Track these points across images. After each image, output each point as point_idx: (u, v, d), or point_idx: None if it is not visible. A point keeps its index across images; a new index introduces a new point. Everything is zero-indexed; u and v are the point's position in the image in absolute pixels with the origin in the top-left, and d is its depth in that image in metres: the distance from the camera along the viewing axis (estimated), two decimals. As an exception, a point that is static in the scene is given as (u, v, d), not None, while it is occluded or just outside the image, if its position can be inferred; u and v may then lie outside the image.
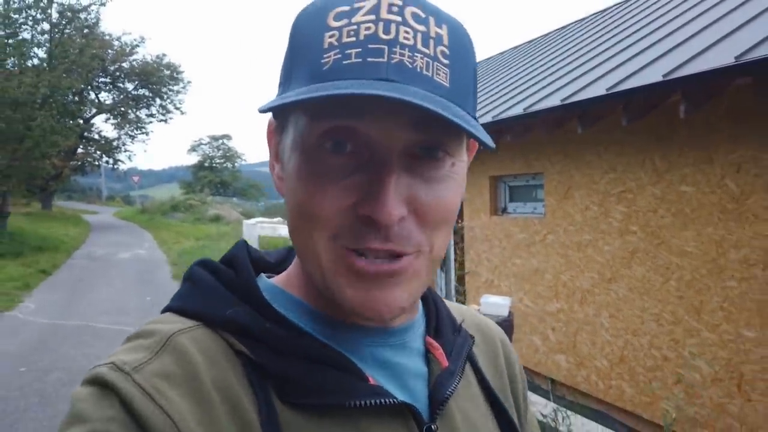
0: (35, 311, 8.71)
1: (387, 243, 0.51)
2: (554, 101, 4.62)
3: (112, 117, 29.64)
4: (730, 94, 3.53)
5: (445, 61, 0.51)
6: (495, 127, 5.41)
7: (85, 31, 20.06)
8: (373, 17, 0.49)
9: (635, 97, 3.86)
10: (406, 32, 0.49)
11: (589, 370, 5.07)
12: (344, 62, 0.48)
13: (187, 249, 15.65)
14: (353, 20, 0.49)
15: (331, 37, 0.50)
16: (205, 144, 52.97)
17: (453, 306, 0.77)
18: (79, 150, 28.77)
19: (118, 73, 28.57)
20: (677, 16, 5.16)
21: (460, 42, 0.53)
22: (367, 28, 0.49)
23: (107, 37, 25.68)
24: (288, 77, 0.54)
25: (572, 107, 4.41)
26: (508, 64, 8.81)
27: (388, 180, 0.49)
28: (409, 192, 0.51)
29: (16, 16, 16.91)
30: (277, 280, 0.63)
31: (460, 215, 7.16)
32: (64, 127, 17.58)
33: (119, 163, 31.92)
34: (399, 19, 0.49)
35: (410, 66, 0.48)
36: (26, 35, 17.71)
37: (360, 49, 0.48)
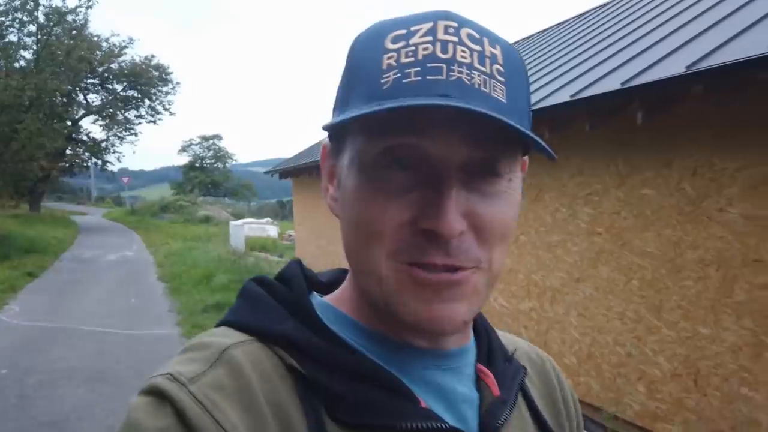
0: (20, 314, 8.77)
1: (447, 258, 0.51)
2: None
3: (100, 118, 29.60)
4: (686, 101, 3.68)
5: (501, 79, 0.52)
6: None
7: (73, 32, 20.03)
8: (430, 38, 0.51)
9: (596, 103, 4.01)
10: (463, 51, 0.50)
11: (560, 367, 5.21)
12: (404, 81, 0.49)
13: (174, 250, 15.71)
14: (411, 42, 0.51)
15: (389, 58, 0.51)
16: (196, 144, 52.89)
17: (505, 336, 0.77)
18: (68, 151, 28.70)
19: (106, 75, 28.54)
20: (637, 27, 5.35)
21: (513, 63, 0.54)
22: (425, 49, 0.50)
23: (95, 39, 25.63)
24: (345, 99, 0.55)
25: (540, 113, 4.55)
26: None
27: (449, 194, 0.50)
28: (468, 207, 0.52)
29: (2, 18, 16.91)
30: (330, 298, 0.64)
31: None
32: (51, 129, 17.61)
33: (108, 164, 31.88)
34: (455, 39, 0.51)
35: (468, 83, 0.49)
36: (12, 38, 17.74)
37: (419, 68, 0.49)
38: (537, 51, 7.54)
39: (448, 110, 0.47)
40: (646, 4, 6.24)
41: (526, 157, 0.63)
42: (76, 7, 19.58)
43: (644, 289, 4.30)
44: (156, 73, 29.99)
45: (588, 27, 7.09)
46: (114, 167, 33.84)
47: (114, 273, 12.93)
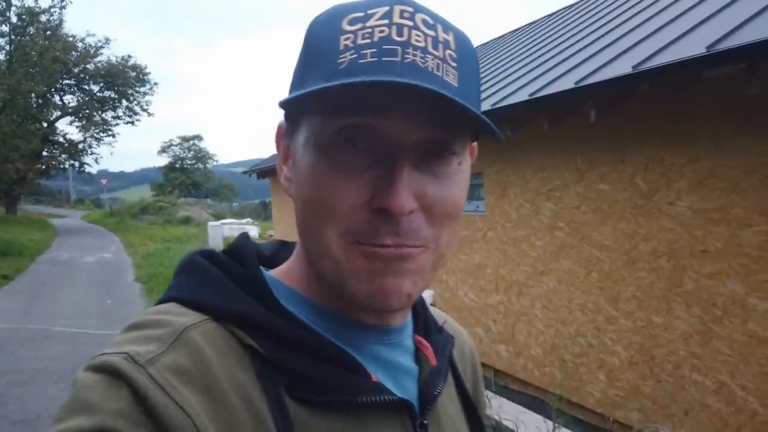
0: (-6, 316, 8.72)
1: (397, 238, 0.53)
2: (486, 106, 4.89)
3: (76, 119, 29.29)
4: (635, 100, 3.83)
5: (454, 65, 0.53)
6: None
7: (47, 33, 19.82)
8: (386, 21, 0.52)
9: (553, 102, 4.15)
10: (417, 35, 0.52)
11: (526, 359, 5.36)
12: (360, 61, 0.50)
13: (152, 251, 15.64)
14: (367, 24, 0.52)
15: (346, 39, 0.52)
16: (176, 145, 52.47)
17: (434, 311, 0.80)
18: (44, 153, 28.36)
19: (82, 75, 28.22)
20: (592, 31, 5.56)
21: (465, 49, 0.56)
22: (381, 31, 0.51)
23: (71, 39, 25.34)
24: (302, 79, 0.55)
25: (501, 111, 4.69)
26: None
27: (401, 173, 0.52)
28: (419, 187, 0.53)
29: (-26, 18, 16.69)
30: (278, 273, 0.64)
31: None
32: (26, 131, 17.44)
33: (86, 165, 31.55)
34: (410, 23, 0.52)
35: (422, 66, 0.50)
36: (-16, 38, 17.50)
37: (375, 50, 0.50)
38: (500, 53, 7.73)
39: (403, 92, 0.48)
40: (600, 9, 6.50)
41: (475, 143, 0.64)
42: (50, 7, 19.33)
43: (603, 280, 4.45)
44: (133, 74, 29.73)
45: (547, 30, 7.32)
46: (92, 169, 33.51)
47: (91, 275, 12.86)
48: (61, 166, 31.43)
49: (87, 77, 28.62)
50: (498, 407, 4.25)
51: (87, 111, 29.03)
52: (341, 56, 0.51)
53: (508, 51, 7.54)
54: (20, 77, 16.34)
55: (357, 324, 0.60)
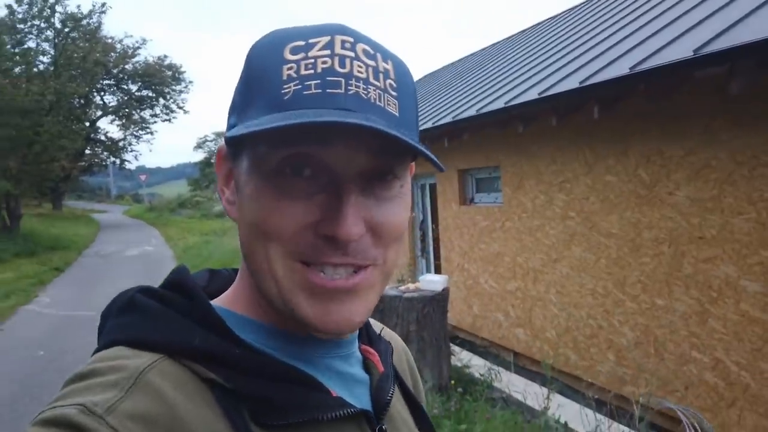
0: (50, 304, 9.45)
1: (346, 258, 0.53)
2: (500, 104, 5.22)
3: (117, 118, 30.40)
4: (633, 97, 4.11)
5: (394, 94, 0.55)
6: (455, 126, 6.02)
7: (88, 36, 20.70)
8: (328, 52, 0.52)
9: (560, 100, 4.45)
10: (359, 66, 0.53)
11: (542, 341, 5.68)
12: (304, 92, 0.51)
13: (191, 244, 16.36)
14: (310, 54, 0.52)
15: (289, 69, 0.52)
16: (211, 140, 53.60)
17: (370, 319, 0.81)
18: (87, 151, 29.55)
19: (121, 76, 29.27)
20: (593, 36, 5.83)
21: (404, 77, 0.57)
22: (324, 62, 0.52)
23: (110, 41, 26.33)
24: (244, 106, 0.55)
25: (513, 108, 5.01)
26: (463, 72, 9.60)
27: (348, 201, 0.52)
28: (365, 212, 0.54)
29: (21, 26, 17.59)
30: (223, 302, 0.62)
31: (435, 205, 7.78)
32: (70, 131, 18.32)
33: (126, 162, 32.73)
34: (352, 54, 0.53)
35: (365, 97, 0.52)
36: (31, 44, 18.45)
37: (319, 81, 0.51)
38: (510, 53, 8.05)
39: (347, 126, 0.48)
40: (602, 13, 6.82)
41: (413, 163, 0.65)
42: (90, 12, 20.23)
43: (611, 266, 4.74)
44: (169, 73, 30.68)
45: (553, 32, 7.67)
46: (131, 165, 34.72)
47: (135, 266, 13.58)
48: (103, 164, 32.73)
49: (126, 77, 29.67)
50: (508, 381, 4.61)
51: (126, 110, 30.13)
52: (285, 86, 0.52)
53: (518, 51, 7.86)
54: (65, 80, 17.22)
55: (310, 340, 0.60)
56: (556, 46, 6.54)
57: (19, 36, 17.56)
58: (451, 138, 6.41)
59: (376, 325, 0.79)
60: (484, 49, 11.57)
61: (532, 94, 4.77)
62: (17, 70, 16.78)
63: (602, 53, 4.72)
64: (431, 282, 4.38)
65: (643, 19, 5.06)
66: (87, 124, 26.10)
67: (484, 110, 5.43)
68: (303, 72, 0.52)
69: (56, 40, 18.49)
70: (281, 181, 0.53)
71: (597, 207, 4.82)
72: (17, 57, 17.07)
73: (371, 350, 0.68)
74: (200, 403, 0.51)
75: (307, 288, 0.54)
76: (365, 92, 0.52)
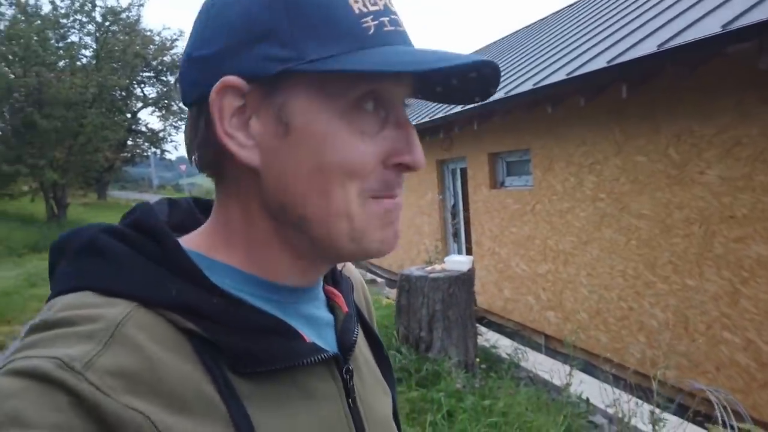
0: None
1: (400, 189, 0.58)
2: (528, 85, 5.20)
3: (157, 109, 31.09)
4: (665, 75, 4.05)
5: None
6: (484, 109, 6.02)
7: (128, 29, 21.23)
8: None
9: (588, 80, 4.42)
10: (390, 3, 0.55)
11: (573, 324, 5.67)
12: (384, 29, 0.52)
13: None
14: None
15: (355, 2, 0.52)
16: (247, 130, 54.09)
17: None
18: (129, 142, 30.36)
19: (160, 67, 29.89)
20: (622, 17, 5.74)
21: None
22: None
23: (148, 33, 26.93)
24: (299, 35, 0.51)
25: (542, 90, 4.99)
26: (493, 56, 9.52)
27: (414, 132, 0.55)
28: None
29: (64, 20, 18.15)
30: (194, 244, 0.58)
31: (466, 189, 7.80)
32: (113, 122, 18.87)
33: (166, 152, 33.52)
34: None
35: (406, 33, 0.56)
36: (74, 38, 19.03)
37: (387, 18, 0.53)
38: (541, 35, 7.97)
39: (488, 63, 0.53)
40: None
41: None
42: (129, 5, 20.75)
43: (641, 248, 4.71)
44: (206, 63, 31.07)
45: (583, 12, 7.55)
46: (172, 156, 35.60)
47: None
48: (145, 154, 33.57)
49: (164, 69, 30.29)
50: (534, 361, 4.64)
51: (166, 101, 30.77)
52: (363, 21, 0.51)
53: (547, 33, 7.76)
54: (106, 73, 17.72)
55: (285, 288, 0.60)
56: (584, 27, 6.46)
57: (62, 31, 18.15)
58: (481, 121, 6.40)
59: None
60: (514, 33, 11.49)
61: (560, 75, 4.75)
62: (61, 63, 17.36)
63: (630, 33, 4.65)
64: (457, 262, 4.43)
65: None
66: (128, 115, 26.82)
67: (513, 92, 5.42)
68: (371, 8, 0.52)
69: (97, 34, 19.05)
70: (356, 117, 0.53)
71: (627, 188, 4.77)
72: (61, 51, 17.68)
73: (335, 291, 0.68)
74: (178, 354, 0.49)
75: (379, 217, 0.55)
76: (403, 26, 0.55)
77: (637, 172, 4.65)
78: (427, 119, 7.64)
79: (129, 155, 31.32)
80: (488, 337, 5.17)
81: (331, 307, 0.66)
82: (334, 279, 0.70)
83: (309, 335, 0.59)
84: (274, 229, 0.57)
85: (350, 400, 0.61)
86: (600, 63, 4.28)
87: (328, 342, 0.62)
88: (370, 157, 0.53)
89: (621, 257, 4.94)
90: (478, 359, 4.23)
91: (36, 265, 11.31)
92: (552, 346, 6.01)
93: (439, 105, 8.21)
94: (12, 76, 15.16)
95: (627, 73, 4.06)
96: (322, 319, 0.63)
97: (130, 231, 0.55)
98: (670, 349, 4.48)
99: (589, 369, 5.32)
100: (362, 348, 0.70)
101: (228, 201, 0.58)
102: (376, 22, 0.51)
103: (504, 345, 5.14)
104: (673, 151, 4.27)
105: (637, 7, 5.58)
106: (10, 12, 16.64)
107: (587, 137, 5.18)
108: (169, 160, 39.50)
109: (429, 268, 4.42)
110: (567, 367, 3.98)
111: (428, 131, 7.73)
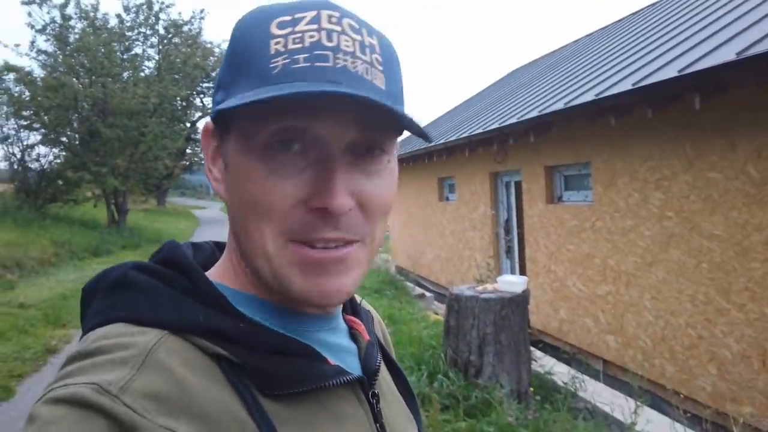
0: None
1: (336, 232, 0.54)
2: (590, 96, 4.91)
3: (215, 119, 31.97)
4: (742, 86, 3.72)
5: (380, 68, 0.55)
6: (542, 120, 5.76)
7: (189, 42, 21.87)
8: (315, 26, 0.53)
9: (656, 91, 4.12)
10: (346, 40, 0.53)
11: (635, 350, 5.31)
12: (293, 66, 0.51)
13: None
14: (297, 29, 0.53)
15: (276, 44, 0.52)
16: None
17: None
18: (188, 151, 31.26)
19: (219, 78, 30.73)
20: (694, 23, 5.33)
21: (389, 52, 0.58)
22: (311, 36, 0.52)
23: (208, 46, 27.70)
24: (231, 82, 0.55)
25: (605, 101, 4.70)
26: (556, 63, 9.17)
27: (338, 173, 0.53)
28: (355, 186, 0.55)
29: (129, 33, 18.85)
30: (216, 276, 0.62)
31: (520, 203, 7.51)
32: (173, 131, 19.41)
33: (223, 161, 34.32)
34: (339, 28, 0.53)
35: (353, 70, 0.52)
36: (138, 50, 19.72)
37: (307, 54, 0.51)
38: (603, 44, 7.59)
39: (336, 96, 0.49)
40: (700, 2, 6.25)
41: (397, 141, 0.65)
42: (191, 18, 21.39)
43: (713, 271, 4.34)
44: (263, 74, 31.72)
45: (650, 20, 7.10)
46: (228, 164, 36.29)
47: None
48: (202, 162, 34.44)
49: (223, 80, 31.13)
50: (593, 391, 4.32)
51: (223, 111, 31.61)
52: (273, 61, 0.52)
53: (610, 42, 7.39)
54: (167, 83, 18.28)
55: (302, 315, 0.61)
56: (651, 35, 6.09)
57: (127, 43, 18.86)
58: (538, 133, 6.13)
59: (356, 296, 0.80)
60: (575, 41, 11.07)
61: (626, 85, 4.45)
62: (125, 75, 18.01)
63: (704, 40, 4.32)
64: (510, 283, 4.18)
65: (751, 2, 4.59)
66: (188, 124, 27.62)
67: (573, 103, 5.14)
68: (291, 46, 0.52)
69: (160, 46, 19.70)
70: (270, 157, 0.53)
71: (698, 206, 4.42)
72: (126, 63, 18.35)
73: (356, 320, 0.70)
74: (207, 377, 0.51)
75: (298, 263, 0.54)
76: (353, 65, 0.52)
77: (709, 190, 4.29)
78: (480, 130, 7.40)
79: (187, 163, 32.24)
80: (543, 363, 4.88)
81: (353, 335, 0.68)
82: (354, 309, 0.72)
83: (333, 361, 0.60)
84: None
85: (378, 425, 0.62)
86: (670, 72, 3.98)
87: (353, 368, 0.63)
88: (282, 198, 0.53)
89: (690, 281, 4.58)
90: (532, 388, 3.96)
91: (95, 269, 11.67)
92: (611, 372, 5.65)
93: (495, 115, 7.97)
94: (79, 86, 15.80)
95: (701, 84, 3.74)
96: (344, 347, 0.65)
97: (159, 267, 0.59)
98: (745, 384, 4.09)
99: (655, 401, 4.95)
100: (385, 376, 0.72)
101: (229, 230, 0.62)
102: (286, 61, 0.51)
103: (560, 372, 4.83)
104: (753, 168, 3.90)
105: (712, 12, 5.22)
106: (79, 25, 17.39)
107: (654, 151, 4.85)
108: (226, 168, 40.42)
109: (480, 288, 4.19)
110: (630, 400, 3.67)
111: (481, 143, 7.49)
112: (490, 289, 4.12)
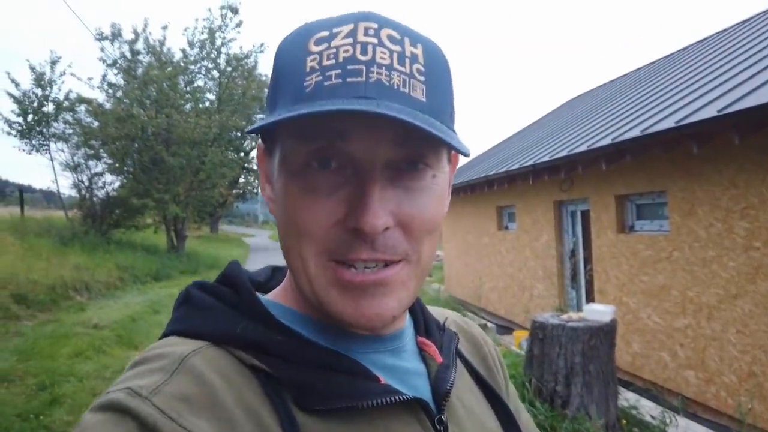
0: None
1: (374, 253, 0.53)
2: (669, 123, 4.83)
3: (268, 149, 32.81)
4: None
5: (421, 78, 0.53)
6: (616, 149, 5.68)
7: (246, 74, 22.64)
8: (350, 40, 0.52)
9: (745, 117, 4.02)
10: (383, 53, 0.51)
11: (719, 386, 5.08)
12: (325, 83, 0.50)
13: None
14: (332, 44, 0.52)
15: (312, 60, 0.52)
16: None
17: (434, 309, 0.80)
18: (241, 179, 32.10)
19: (273, 109, 31.61)
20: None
21: (435, 60, 0.55)
22: (345, 51, 0.51)
23: (264, 78, 28.60)
24: (274, 102, 0.55)
25: (686, 128, 4.61)
26: (625, 89, 9.00)
27: (372, 192, 0.51)
28: (394, 203, 0.53)
29: (192, 67, 19.68)
30: (273, 296, 0.64)
31: (587, 233, 7.37)
32: (230, 160, 20.00)
33: (274, 190, 35.05)
34: (375, 41, 0.52)
35: (387, 84, 0.51)
36: (200, 83, 20.54)
37: (339, 71, 0.50)
38: (684, 67, 7.43)
39: (366, 114, 0.48)
40: None
41: (456, 153, 0.63)
42: (250, 52, 22.16)
43: (809, 305, 4.14)
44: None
45: (730, 44, 6.89)
46: (278, 193, 37.03)
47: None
48: (254, 191, 35.30)
49: (276, 111, 32.01)
50: (686, 427, 4.14)
51: (276, 141, 32.43)
52: (308, 78, 0.51)
53: (689, 65, 7.25)
54: (227, 114, 18.93)
55: (353, 336, 0.60)
56: (736, 57, 5.93)
57: (190, 76, 19.68)
58: (610, 161, 6.04)
59: (440, 315, 0.78)
60: (650, 63, 10.77)
61: (710, 111, 4.36)
62: (187, 106, 18.76)
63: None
64: (597, 312, 4.09)
65: None
66: (242, 154, 28.40)
67: (650, 130, 5.06)
68: (325, 62, 0.51)
69: (220, 79, 20.46)
70: (307, 176, 0.53)
71: (790, 236, 4.25)
72: (188, 95, 19.12)
73: (427, 342, 0.68)
74: (241, 385, 0.52)
75: (338, 285, 0.54)
76: (388, 78, 0.51)
77: (803, 219, 4.13)
78: (546, 158, 7.35)
79: (241, 191, 33.07)
80: (627, 397, 4.71)
81: (424, 357, 0.66)
82: (428, 330, 0.70)
83: (390, 382, 0.58)
84: None
85: None
86: (762, 98, 3.88)
87: (418, 391, 0.61)
88: (320, 218, 0.53)
89: (782, 314, 4.38)
90: (624, 421, 3.83)
91: (157, 292, 12.00)
92: (692, 410, 5.41)
93: (560, 143, 7.91)
94: (145, 117, 16.52)
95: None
96: (408, 369, 0.63)
97: (217, 284, 0.62)
98: None
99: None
100: (465, 399, 0.68)
101: None
102: (319, 78, 0.51)
103: (646, 406, 4.65)
104: None
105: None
106: (146, 59, 18.27)
107: (738, 179, 4.71)
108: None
109: (565, 317, 4.11)
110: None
111: (547, 171, 7.43)
112: (575, 317, 4.04)
